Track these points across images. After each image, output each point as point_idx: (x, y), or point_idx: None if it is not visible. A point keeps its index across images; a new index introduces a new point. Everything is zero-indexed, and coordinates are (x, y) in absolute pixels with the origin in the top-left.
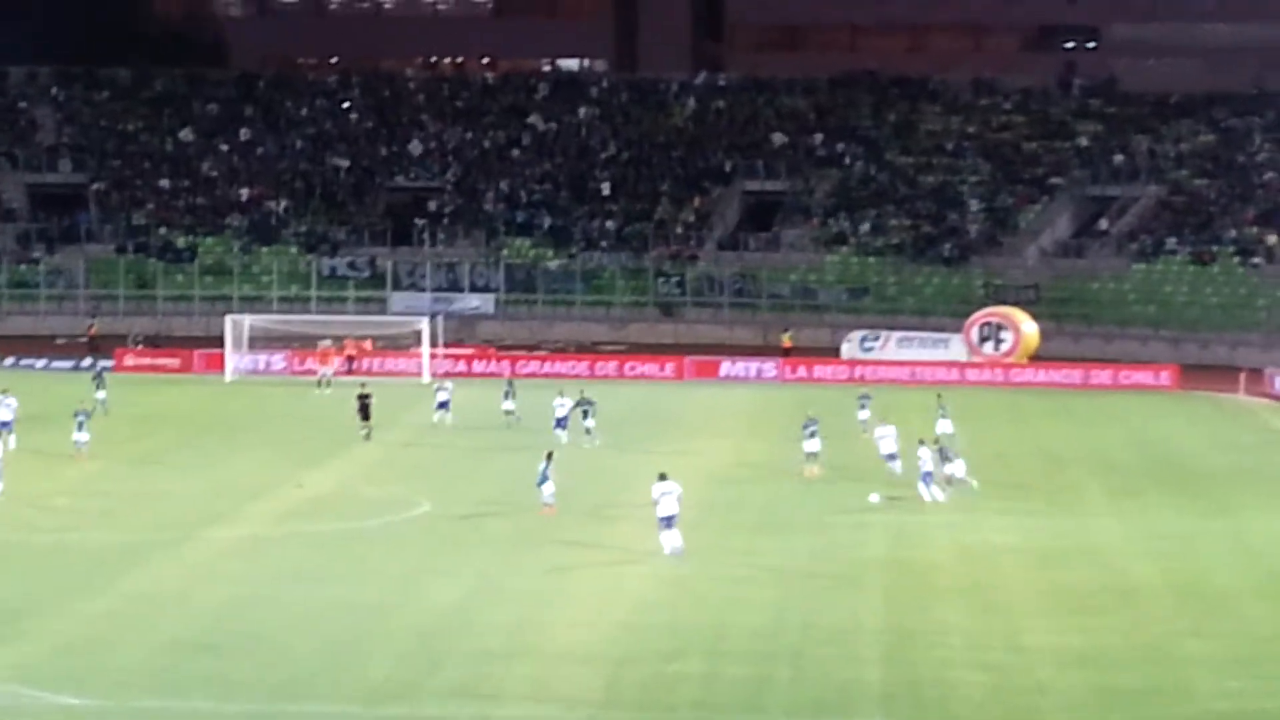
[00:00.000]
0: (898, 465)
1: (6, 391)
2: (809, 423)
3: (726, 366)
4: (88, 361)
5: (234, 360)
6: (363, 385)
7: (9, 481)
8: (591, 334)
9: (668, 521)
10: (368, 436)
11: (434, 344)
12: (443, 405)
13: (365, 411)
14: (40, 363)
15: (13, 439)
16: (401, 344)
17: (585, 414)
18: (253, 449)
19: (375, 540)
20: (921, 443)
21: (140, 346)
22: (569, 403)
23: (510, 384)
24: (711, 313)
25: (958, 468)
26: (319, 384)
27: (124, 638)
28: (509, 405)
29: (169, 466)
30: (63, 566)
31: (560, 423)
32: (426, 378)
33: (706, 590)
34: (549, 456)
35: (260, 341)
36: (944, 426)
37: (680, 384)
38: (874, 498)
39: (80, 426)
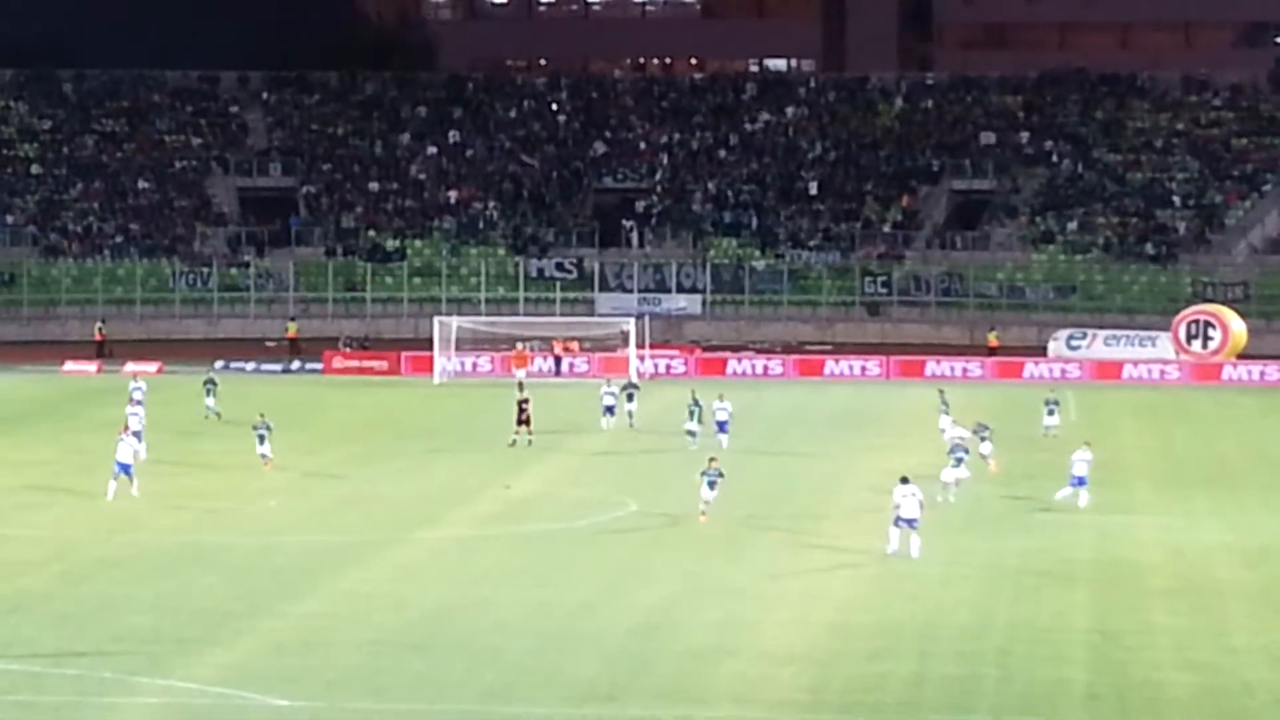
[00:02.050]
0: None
1: (137, 376)
2: (980, 427)
3: (932, 366)
4: (296, 364)
5: (442, 362)
6: (521, 389)
7: (225, 483)
8: (798, 334)
9: (910, 523)
10: (529, 443)
11: (641, 345)
12: (609, 410)
13: (523, 417)
14: (249, 365)
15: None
16: (608, 345)
17: (630, 398)
18: (460, 451)
19: (582, 541)
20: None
21: (353, 349)
22: (616, 389)
23: (696, 401)
24: (918, 312)
25: (960, 472)
26: (518, 387)
27: (334, 639)
28: (692, 425)
29: (377, 469)
30: (273, 568)
31: (608, 410)
32: (634, 379)
33: (913, 590)
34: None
35: (468, 343)
36: (945, 423)
37: (886, 383)
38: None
39: (261, 440)
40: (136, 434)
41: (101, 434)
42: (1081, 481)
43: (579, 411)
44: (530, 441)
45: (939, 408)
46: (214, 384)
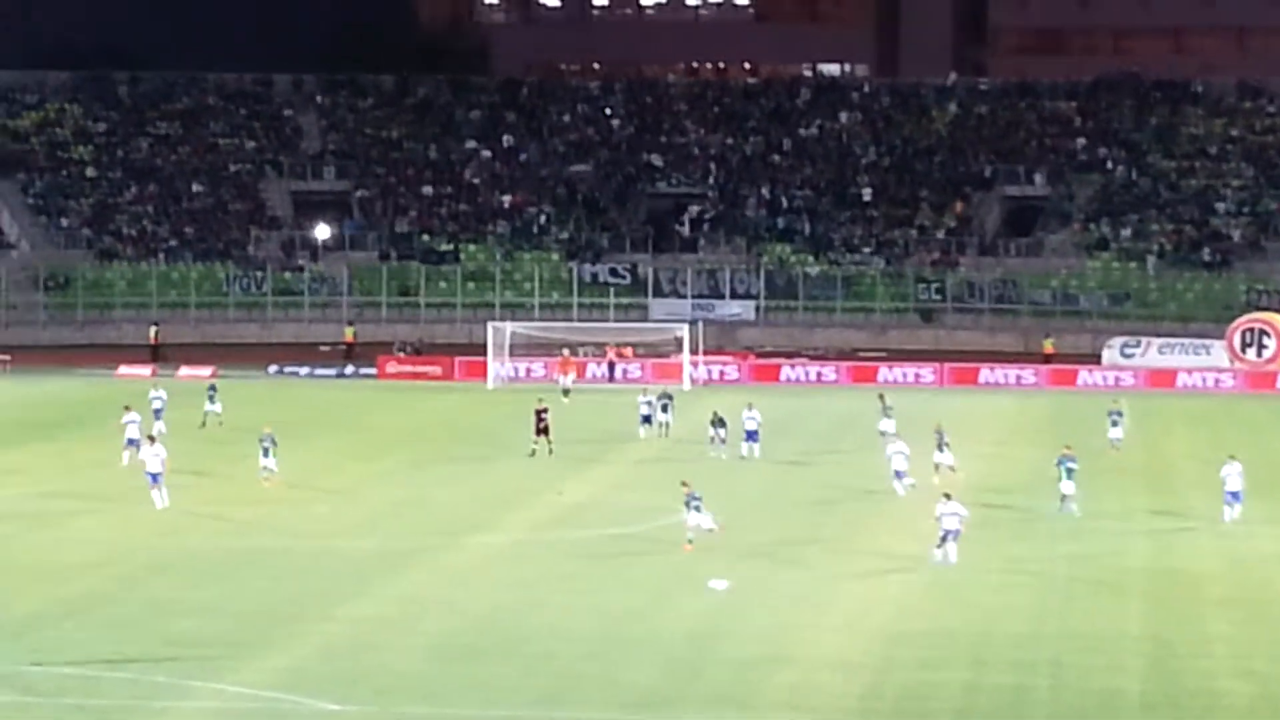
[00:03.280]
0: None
1: (157, 385)
2: (1065, 459)
3: (986, 373)
4: (350, 369)
5: (495, 367)
6: (540, 400)
7: (275, 488)
8: (851, 340)
9: (951, 535)
10: (549, 452)
11: (694, 351)
12: (646, 419)
13: (542, 427)
14: (304, 370)
15: (161, 425)
16: (662, 351)
17: (665, 408)
18: (514, 457)
19: (636, 547)
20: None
21: (407, 354)
22: (653, 399)
23: (719, 419)
24: (972, 319)
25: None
26: (563, 393)
27: (386, 643)
28: (720, 433)
29: (431, 474)
30: (325, 572)
31: (645, 420)
32: (687, 385)
33: (967, 597)
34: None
35: (521, 349)
36: (887, 426)
37: (940, 390)
38: (717, 584)
39: (266, 453)
40: (150, 438)
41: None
42: (1237, 497)
43: (634, 418)
44: (550, 451)
45: (881, 411)
46: (214, 390)
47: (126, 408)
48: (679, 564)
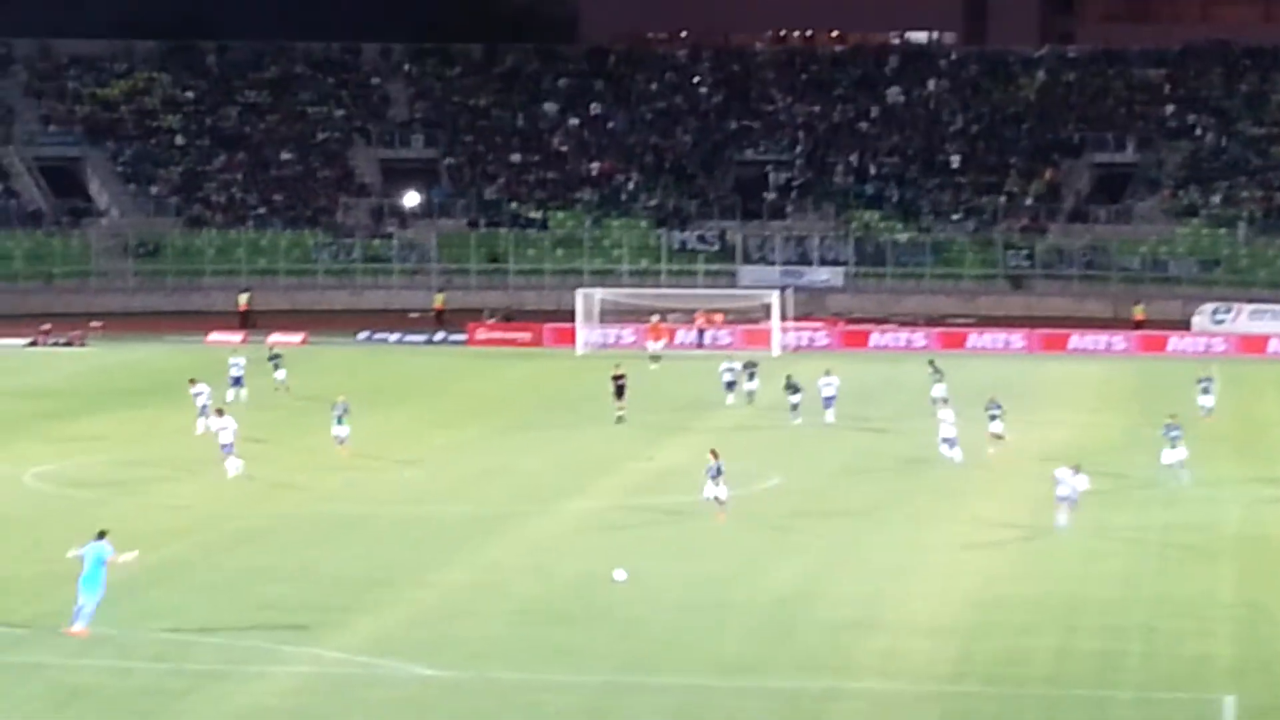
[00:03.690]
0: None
1: (236, 351)
2: (1170, 427)
3: (1076, 339)
4: (440, 336)
5: (585, 334)
6: (617, 366)
7: (363, 454)
8: (940, 307)
9: (1067, 500)
10: (620, 419)
11: (783, 317)
12: (729, 386)
13: (620, 392)
14: (393, 336)
15: (244, 392)
16: (751, 317)
17: (750, 376)
18: (603, 423)
19: (726, 512)
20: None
21: (497, 320)
22: (738, 367)
23: (792, 384)
24: (1061, 285)
25: (1180, 453)
26: (651, 359)
27: (478, 609)
28: (795, 399)
29: (520, 440)
30: (415, 539)
31: (730, 386)
32: (776, 351)
33: (1059, 564)
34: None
35: (610, 315)
36: (938, 391)
37: (1029, 357)
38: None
39: (339, 420)
40: (219, 411)
41: (245, 403)
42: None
43: (720, 385)
44: (622, 417)
45: (931, 377)
46: (279, 357)
47: (192, 381)
48: (770, 530)
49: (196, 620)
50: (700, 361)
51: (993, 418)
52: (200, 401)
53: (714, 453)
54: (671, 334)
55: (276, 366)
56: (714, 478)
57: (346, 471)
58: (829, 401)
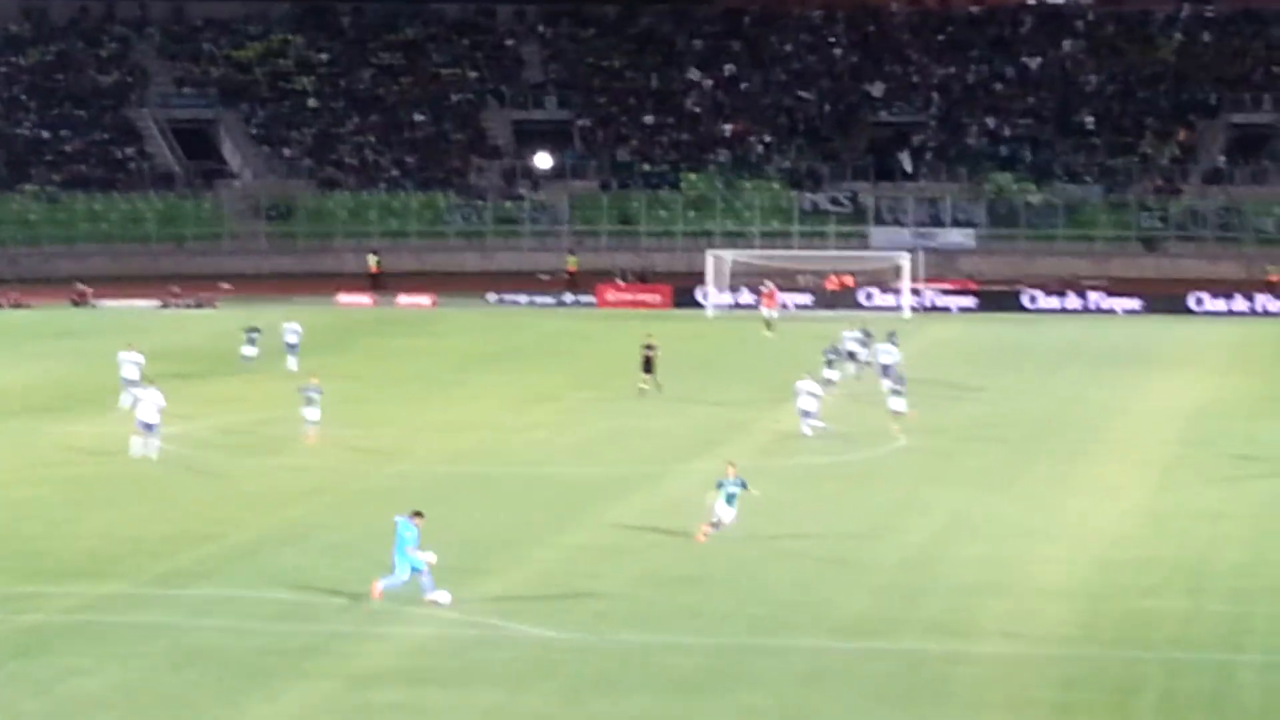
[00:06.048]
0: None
1: (290, 317)
2: None
3: (1208, 300)
4: (570, 297)
5: (715, 295)
6: (649, 336)
7: (489, 414)
8: (1073, 269)
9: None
10: (642, 392)
11: (915, 279)
12: (850, 355)
13: (648, 365)
14: (523, 299)
15: (294, 361)
16: (882, 279)
17: (864, 344)
18: (732, 384)
19: (852, 475)
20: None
21: (628, 282)
22: (857, 333)
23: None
24: (1195, 247)
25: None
26: (766, 325)
27: (602, 571)
28: (863, 356)
29: (649, 402)
30: (542, 500)
31: (850, 354)
32: (907, 313)
33: (1186, 526)
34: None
35: (741, 277)
36: (875, 354)
37: (1162, 318)
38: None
39: (309, 403)
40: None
41: (374, 363)
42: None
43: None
44: (644, 390)
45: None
46: (257, 332)
47: (129, 345)
48: (896, 492)
49: (320, 581)
50: (826, 325)
51: (895, 393)
52: (126, 374)
53: (731, 464)
54: (776, 299)
55: (251, 341)
56: (727, 496)
57: (474, 431)
58: (886, 370)
